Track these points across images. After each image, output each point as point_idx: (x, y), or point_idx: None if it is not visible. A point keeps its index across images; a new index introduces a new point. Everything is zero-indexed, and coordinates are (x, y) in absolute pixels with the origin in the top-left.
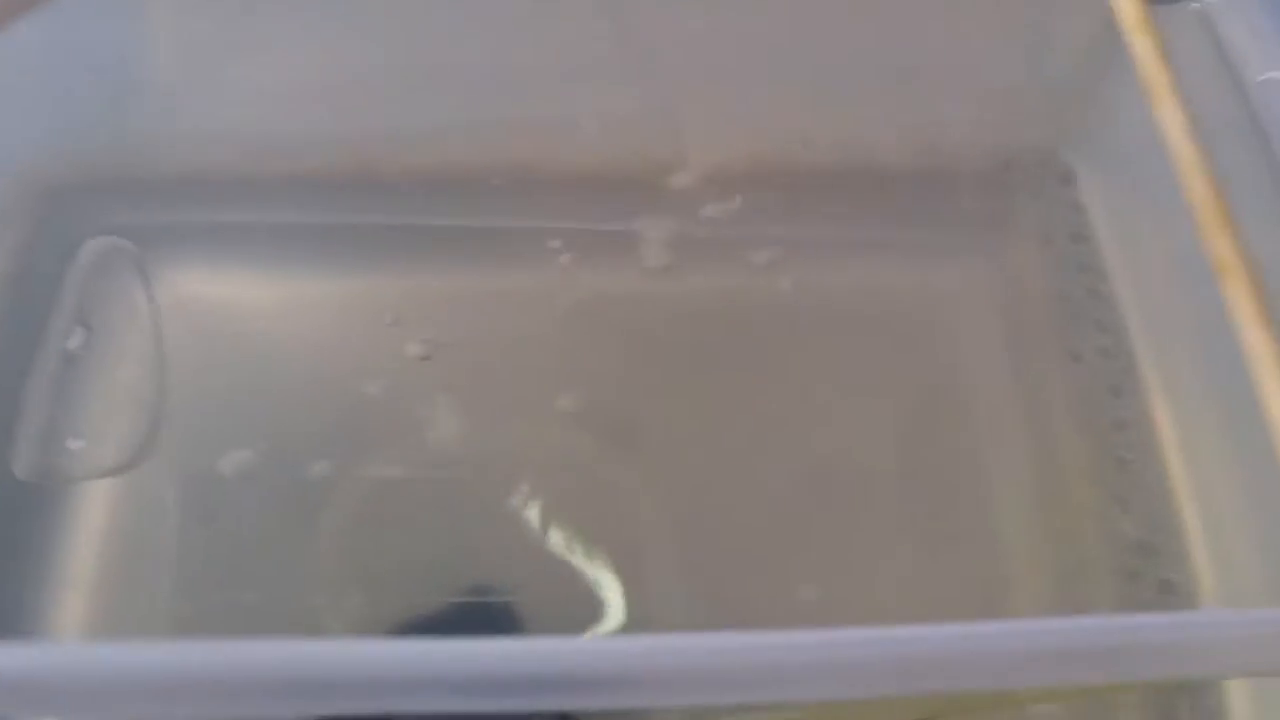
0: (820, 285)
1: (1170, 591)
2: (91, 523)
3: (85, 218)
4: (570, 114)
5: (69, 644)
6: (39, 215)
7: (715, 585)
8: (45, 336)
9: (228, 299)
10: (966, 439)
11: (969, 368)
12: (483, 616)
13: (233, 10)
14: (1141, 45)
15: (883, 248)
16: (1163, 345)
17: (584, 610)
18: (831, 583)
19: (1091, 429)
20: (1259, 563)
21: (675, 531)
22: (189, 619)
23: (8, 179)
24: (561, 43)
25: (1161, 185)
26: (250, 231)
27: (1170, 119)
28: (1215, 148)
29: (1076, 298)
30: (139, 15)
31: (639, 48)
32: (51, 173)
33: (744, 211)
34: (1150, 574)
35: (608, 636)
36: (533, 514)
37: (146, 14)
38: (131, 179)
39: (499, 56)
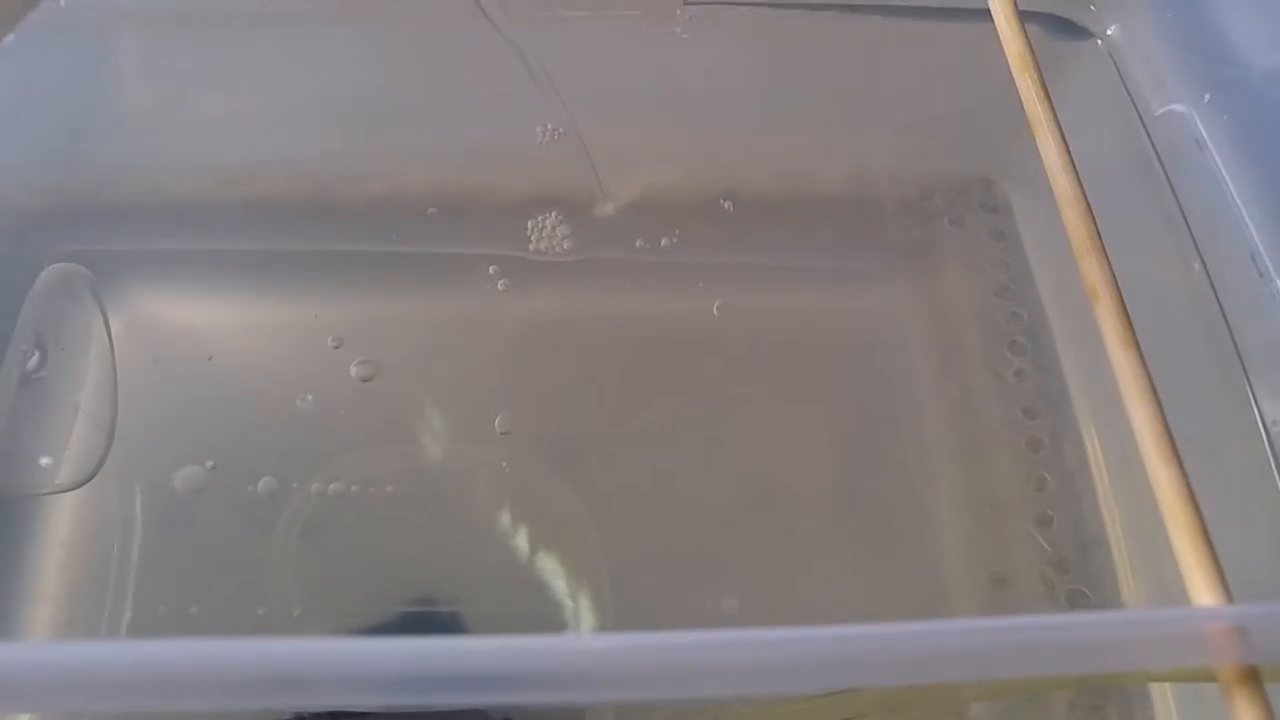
0: (753, 309)
1: (1087, 606)
2: (49, 536)
3: (44, 245)
4: (505, 144)
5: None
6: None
7: (649, 598)
8: (4, 358)
9: (178, 322)
10: (896, 458)
11: (898, 389)
12: (430, 626)
13: (190, 43)
14: (1023, 81)
15: (814, 273)
16: (1085, 369)
17: (525, 619)
18: (756, 595)
19: (1013, 449)
20: (1170, 577)
21: (610, 545)
22: (142, 628)
23: None
24: (497, 76)
25: None
26: (201, 257)
27: (1049, 151)
28: (1114, 177)
29: (999, 321)
30: (102, 46)
31: (569, 81)
32: (11, 201)
33: (676, 238)
34: (1064, 587)
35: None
36: (475, 529)
37: (109, 45)
38: (89, 207)
39: (439, 88)
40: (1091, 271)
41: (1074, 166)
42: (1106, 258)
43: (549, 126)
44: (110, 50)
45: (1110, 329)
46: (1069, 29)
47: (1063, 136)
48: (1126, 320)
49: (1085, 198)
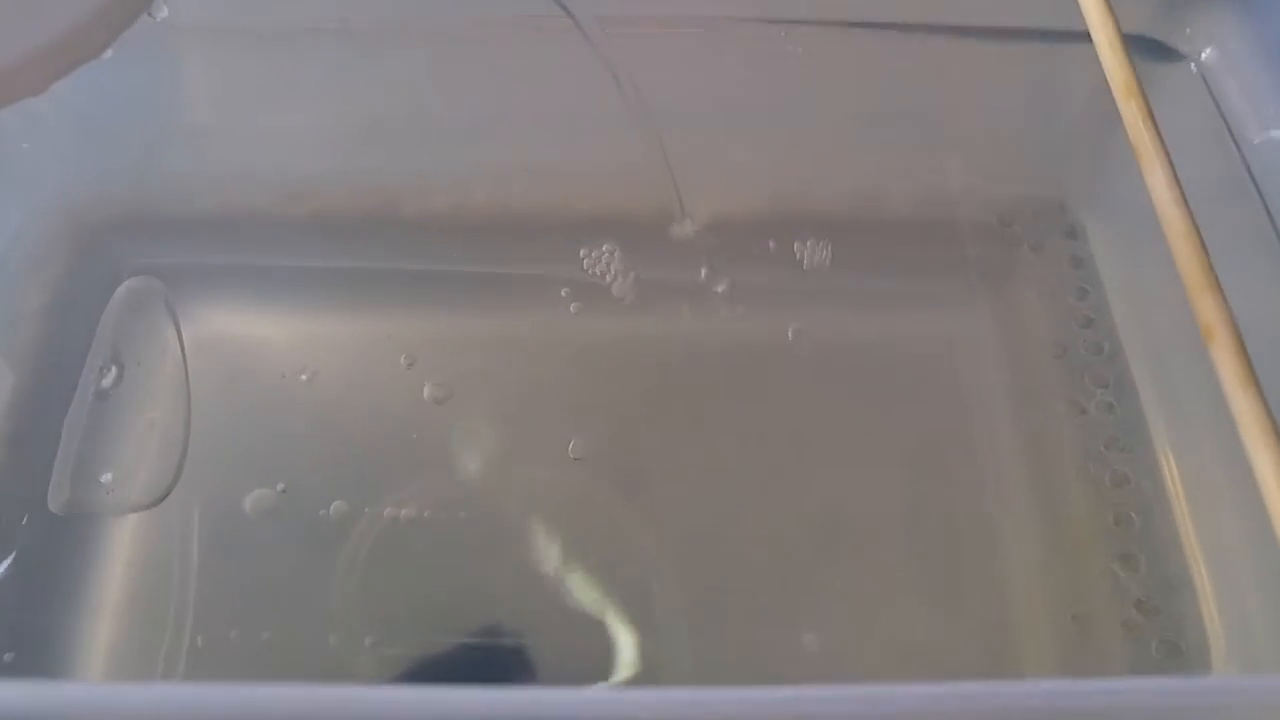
0: (825, 335)
1: (1175, 653)
2: (120, 555)
3: (119, 258)
4: (579, 163)
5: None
6: (76, 255)
7: (721, 630)
8: (80, 374)
9: (252, 338)
10: (970, 490)
11: (974, 418)
12: (494, 658)
13: (263, 59)
14: (1129, 109)
15: (887, 297)
16: (1166, 401)
17: (593, 653)
18: (834, 632)
19: (1094, 483)
20: (1267, 625)
21: (683, 577)
22: (207, 651)
23: (48, 220)
24: (572, 94)
25: (1164, 242)
26: (274, 272)
27: (1157, 183)
28: (1210, 208)
29: (1077, 351)
30: (174, 63)
31: (643, 99)
32: (89, 214)
33: (749, 261)
34: (1154, 634)
35: (615, 687)
36: (545, 557)
37: (181, 62)
38: (163, 220)
39: (513, 106)
40: (1206, 309)
41: (1184, 199)
42: (1222, 294)
43: (629, 145)
44: (184, 66)
45: (1228, 369)
46: (1159, 51)
47: (1171, 167)
48: (1245, 359)
49: (1198, 231)
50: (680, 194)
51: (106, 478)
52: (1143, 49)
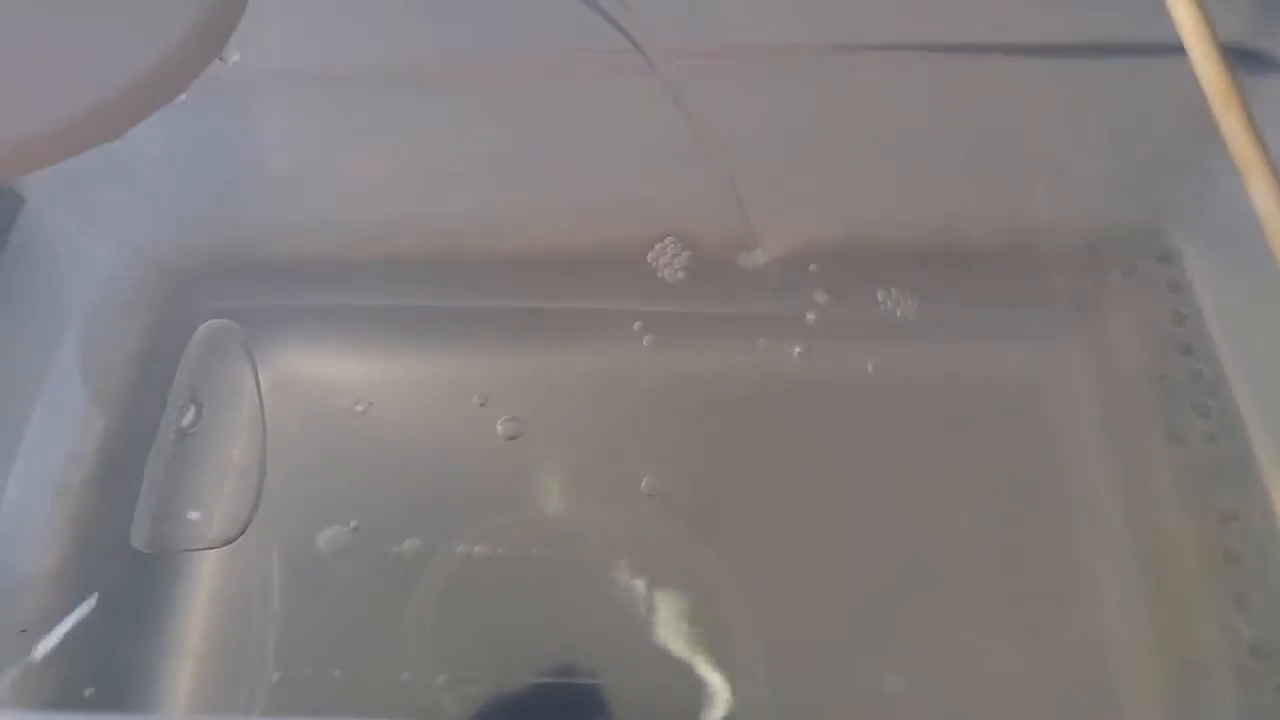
0: (907, 368)
1: None
2: (196, 592)
3: (199, 302)
4: (649, 197)
5: None
6: (159, 302)
7: (801, 672)
8: (162, 414)
9: (325, 377)
10: (1063, 528)
11: (1066, 453)
12: (569, 698)
13: (334, 107)
14: (1228, 120)
15: (972, 329)
16: (1275, 429)
17: (670, 695)
18: (920, 675)
19: (1199, 519)
20: None
21: (761, 616)
22: (287, 692)
23: (136, 266)
24: (638, 129)
25: (1267, 262)
26: (347, 313)
27: (1262, 195)
28: None
29: (1176, 380)
30: (249, 112)
31: (714, 130)
32: (171, 261)
33: (827, 293)
34: (1269, 678)
35: None
36: (620, 595)
37: (255, 111)
38: (240, 264)
39: (579, 143)
40: None
41: None
42: None
43: (698, 175)
44: (258, 115)
45: None
46: (1253, 60)
47: (1276, 177)
48: None
49: None
50: (750, 222)
51: (191, 514)
52: (1239, 60)
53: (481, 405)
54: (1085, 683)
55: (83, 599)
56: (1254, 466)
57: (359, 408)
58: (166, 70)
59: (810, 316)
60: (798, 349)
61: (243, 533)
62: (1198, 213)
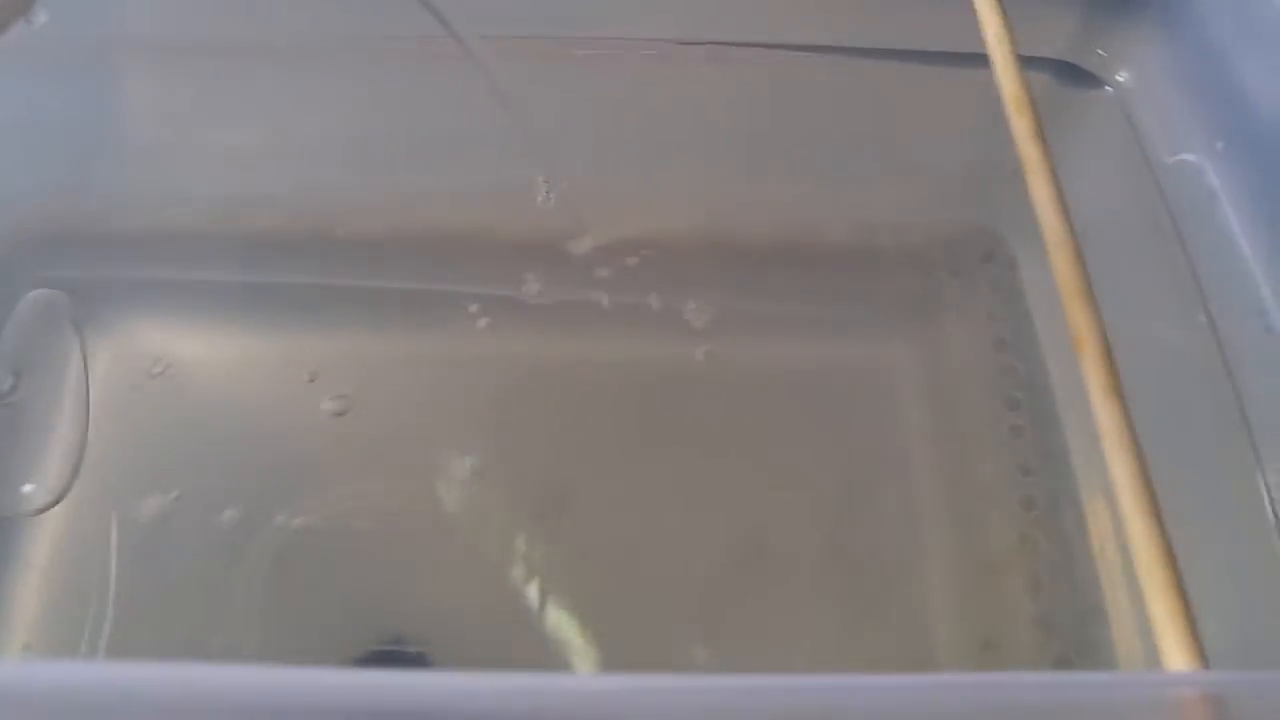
0: (745, 357)
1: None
2: (16, 559)
3: (27, 270)
4: (493, 185)
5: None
6: None
7: (621, 646)
8: None
9: (157, 350)
10: (887, 514)
11: (892, 442)
12: (397, 667)
13: (196, 79)
14: (1019, 122)
15: (813, 322)
16: (1081, 425)
17: (493, 664)
18: (740, 650)
19: (1008, 507)
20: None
21: (588, 593)
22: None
23: None
24: (489, 117)
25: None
26: (182, 287)
27: (1040, 193)
28: (1118, 227)
29: (996, 375)
30: (109, 79)
31: (568, 121)
32: (1, 226)
33: (669, 281)
34: (1051, 650)
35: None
36: (446, 570)
37: (116, 79)
38: (80, 235)
39: (430, 128)
40: (1078, 317)
41: (1065, 208)
42: (1094, 304)
43: (541, 167)
44: (120, 83)
45: (1094, 378)
46: (1077, 76)
47: (1055, 179)
48: (1111, 369)
49: (1075, 240)
50: (584, 216)
51: (8, 483)
52: (1061, 73)
53: (310, 382)
54: (898, 657)
55: None
56: (1063, 460)
57: (186, 379)
58: None
59: (646, 306)
60: (633, 339)
61: (58, 502)
62: (1027, 219)
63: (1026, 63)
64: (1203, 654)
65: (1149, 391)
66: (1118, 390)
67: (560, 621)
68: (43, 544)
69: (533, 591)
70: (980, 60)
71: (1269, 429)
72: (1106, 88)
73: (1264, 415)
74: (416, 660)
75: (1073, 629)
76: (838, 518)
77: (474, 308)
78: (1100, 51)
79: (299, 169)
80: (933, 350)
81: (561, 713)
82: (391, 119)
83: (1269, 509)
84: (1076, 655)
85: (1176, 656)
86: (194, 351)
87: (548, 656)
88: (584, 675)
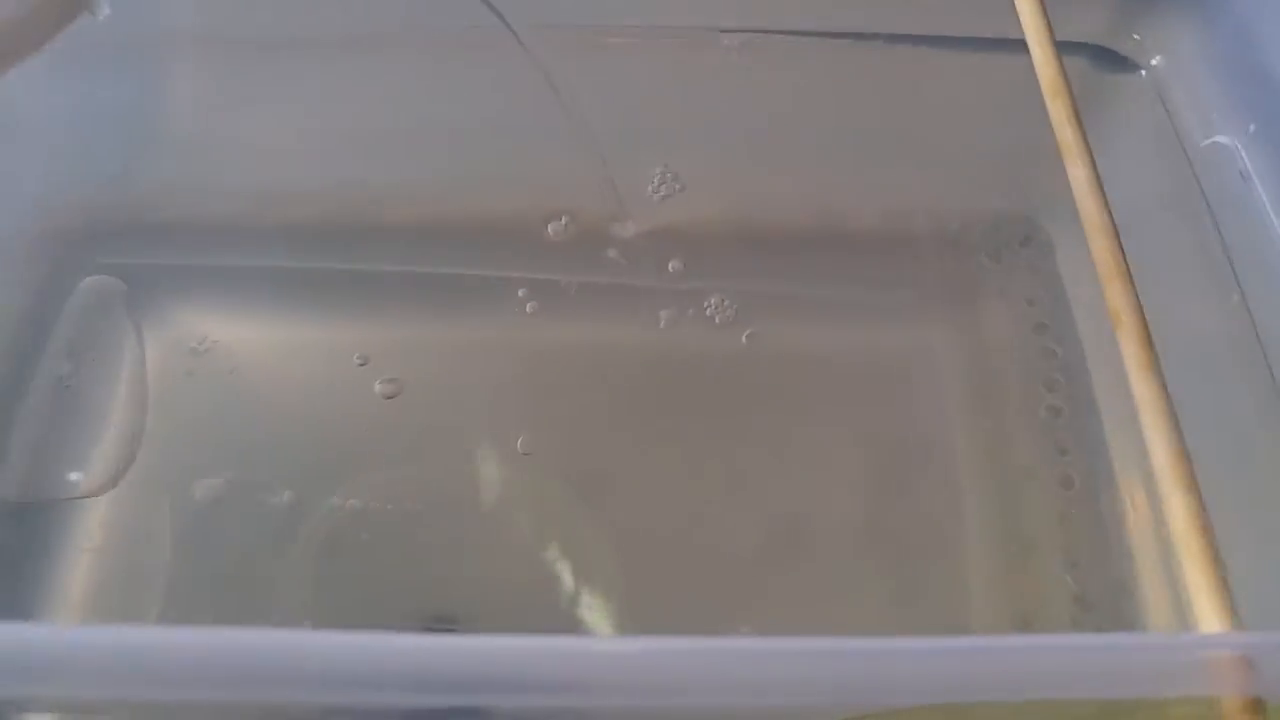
0: (784, 342)
1: None
2: (74, 542)
3: (83, 258)
4: (539, 169)
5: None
6: (44, 257)
7: (666, 627)
8: (39, 366)
9: (212, 336)
10: (926, 496)
11: (930, 425)
12: None
13: (248, 71)
14: (1055, 106)
15: (847, 307)
16: (1118, 407)
17: None
18: (781, 631)
19: (1045, 486)
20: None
21: (631, 573)
22: None
23: (19, 220)
24: (533, 104)
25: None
26: (234, 274)
27: (1078, 176)
28: (1152, 210)
29: (1035, 357)
30: (154, 71)
31: (607, 108)
32: (57, 215)
33: (708, 267)
34: (1090, 626)
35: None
36: (494, 551)
37: (160, 70)
38: (130, 223)
39: (475, 118)
40: (1115, 295)
41: (1102, 191)
42: (1131, 282)
43: (584, 153)
44: (164, 75)
45: (1131, 353)
46: (1112, 60)
47: (1093, 162)
48: (1148, 345)
49: (1113, 222)
50: (623, 199)
51: (63, 467)
52: (1095, 58)
53: (361, 366)
54: (940, 634)
55: None
56: (1100, 441)
57: (236, 364)
58: (24, 23)
59: (688, 290)
60: (676, 322)
61: (117, 483)
62: (1065, 202)
63: (1062, 48)
64: (1237, 619)
65: (1184, 370)
66: (1155, 366)
67: (604, 601)
68: (98, 527)
69: (578, 572)
70: (1017, 46)
71: None
72: (1141, 72)
73: None
74: None
75: (1109, 606)
76: (877, 498)
77: (521, 292)
78: (1135, 36)
79: (346, 157)
80: (971, 334)
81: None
82: (436, 107)
83: None
84: (1112, 632)
85: (1212, 623)
86: (246, 336)
87: (588, 634)
88: (623, 638)
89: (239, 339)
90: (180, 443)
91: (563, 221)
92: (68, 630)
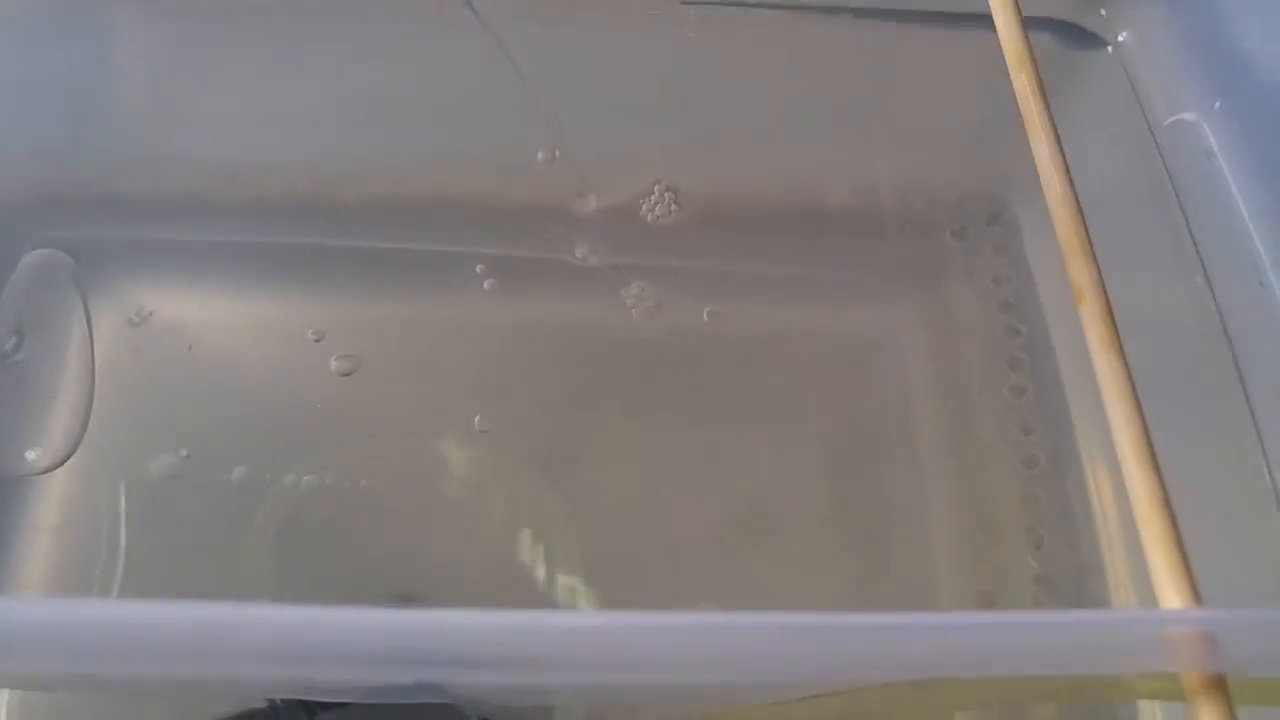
0: (748, 319)
1: None
2: (22, 520)
3: (29, 230)
4: (497, 146)
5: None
6: None
7: (632, 605)
8: None
9: (162, 312)
10: (891, 475)
11: (896, 403)
12: None
13: (195, 41)
14: (1019, 80)
15: (817, 285)
16: (1082, 385)
17: None
18: (754, 608)
19: (1009, 466)
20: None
21: (593, 553)
22: None
23: None
24: (492, 78)
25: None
26: (186, 248)
27: (1042, 151)
28: (1117, 186)
29: (1000, 336)
30: (107, 41)
31: (569, 83)
32: (5, 188)
33: (675, 245)
34: (1051, 607)
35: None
36: (451, 528)
37: (114, 40)
38: (80, 195)
39: (433, 89)
40: (1079, 272)
41: (1066, 167)
42: (1094, 259)
43: (545, 127)
44: (117, 45)
45: (1094, 331)
46: (1079, 36)
47: (1057, 137)
48: (1111, 322)
49: (1076, 198)
50: (586, 177)
51: (9, 442)
52: (1062, 33)
53: (317, 342)
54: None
55: None
56: (1064, 420)
57: (189, 340)
58: None
59: (649, 266)
60: (637, 299)
61: (65, 461)
62: (1031, 181)
63: (1029, 23)
64: (1198, 596)
65: (1147, 347)
66: (1117, 342)
67: (567, 580)
68: (50, 505)
69: (540, 551)
70: (985, 21)
71: (1262, 384)
72: (1108, 48)
73: (1258, 371)
74: None
75: (1072, 586)
76: (841, 477)
77: (479, 268)
78: (1101, 12)
79: (303, 131)
80: (936, 312)
81: (564, 651)
82: (395, 81)
83: (1264, 462)
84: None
85: (1173, 600)
86: (199, 312)
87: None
88: (585, 613)
89: (192, 315)
90: (135, 420)
91: (522, 197)
92: (23, 603)
